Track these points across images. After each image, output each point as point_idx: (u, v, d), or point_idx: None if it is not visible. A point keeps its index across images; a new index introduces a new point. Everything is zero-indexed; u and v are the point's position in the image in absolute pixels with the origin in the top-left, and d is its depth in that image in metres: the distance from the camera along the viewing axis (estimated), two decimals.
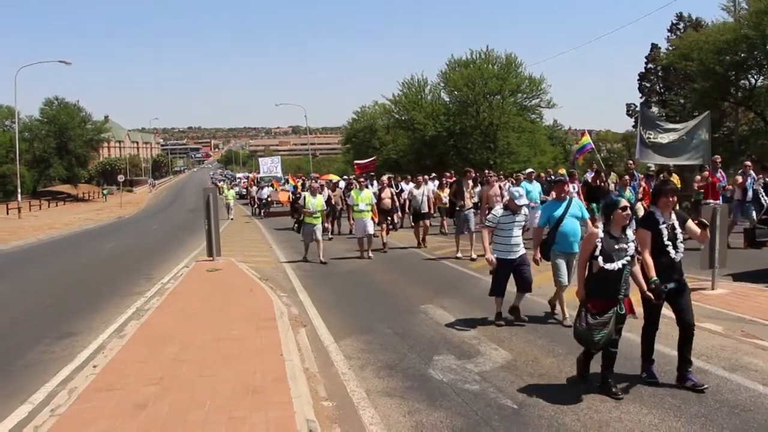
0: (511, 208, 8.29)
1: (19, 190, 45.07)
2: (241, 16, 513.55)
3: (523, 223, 8.53)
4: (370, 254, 15.39)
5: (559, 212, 8.23)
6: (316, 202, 15.24)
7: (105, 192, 78.11)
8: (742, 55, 38.49)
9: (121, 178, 69.62)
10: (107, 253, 20.87)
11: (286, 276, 13.54)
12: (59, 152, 69.82)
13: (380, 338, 7.81)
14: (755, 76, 40.52)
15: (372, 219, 15.67)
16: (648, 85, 58.73)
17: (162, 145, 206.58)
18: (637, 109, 58.38)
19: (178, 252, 18.95)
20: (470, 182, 15.86)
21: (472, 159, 47.17)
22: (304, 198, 15.36)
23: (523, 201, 8.33)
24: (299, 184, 31.80)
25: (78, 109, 73.16)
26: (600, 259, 5.50)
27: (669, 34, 54.93)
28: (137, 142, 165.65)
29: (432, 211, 18.28)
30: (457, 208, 15.04)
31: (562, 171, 18.86)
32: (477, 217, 15.41)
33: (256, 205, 39.27)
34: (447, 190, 19.14)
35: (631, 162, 16.89)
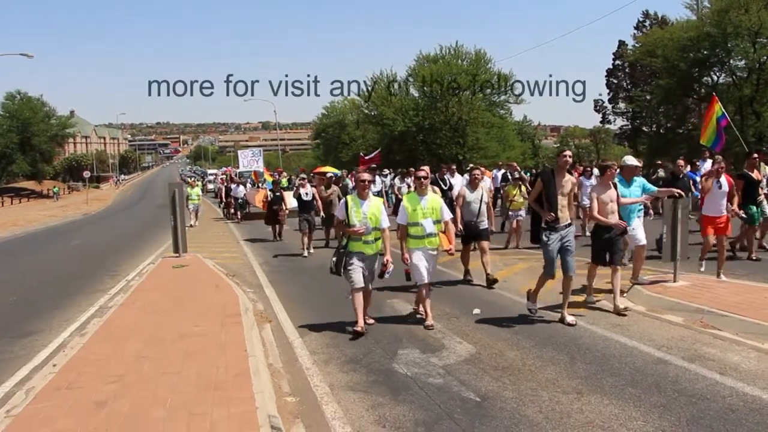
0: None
1: None
2: (208, 10, 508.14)
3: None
4: (431, 321, 8.02)
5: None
6: (369, 212, 7.79)
7: (56, 190, 71.37)
8: (705, 52, 39.30)
9: (87, 174, 68.25)
10: (72, 251, 20.52)
11: (253, 272, 13.45)
12: (22, 148, 68.44)
13: (346, 333, 7.79)
14: (717, 73, 41.40)
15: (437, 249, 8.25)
16: (615, 81, 59.58)
17: (130, 141, 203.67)
18: (605, 104, 59.32)
19: (145, 248, 18.71)
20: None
21: (441, 154, 47.33)
22: (346, 206, 7.84)
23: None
24: (284, 180, 29.52)
25: (42, 104, 71.84)
26: None
27: (635, 31, 55.81)
28: (104, 138, 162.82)
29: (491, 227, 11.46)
30: None
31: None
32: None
33: (230, 206, 30.80)
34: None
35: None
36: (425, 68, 50.75)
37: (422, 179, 8.16)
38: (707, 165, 15.39)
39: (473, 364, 6.42)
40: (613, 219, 8.24)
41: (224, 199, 33.85)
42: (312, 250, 15.78)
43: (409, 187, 18.88)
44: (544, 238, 7.79)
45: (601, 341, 7.04)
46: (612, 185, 8.45)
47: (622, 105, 58.52)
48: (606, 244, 8.35)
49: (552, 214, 7.65)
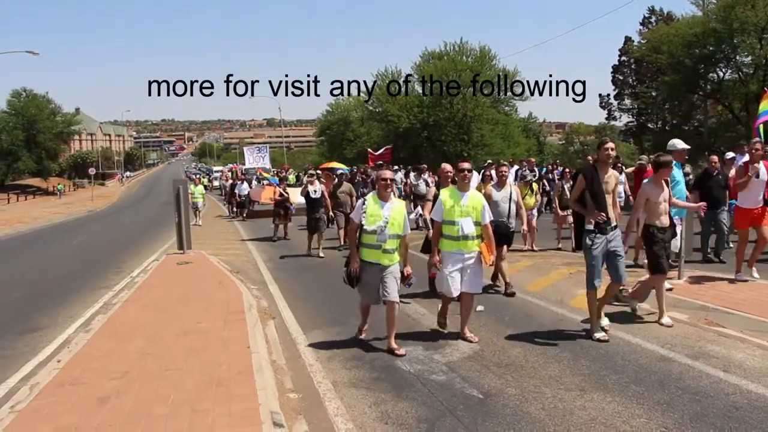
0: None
1: None
2: (214, 7, 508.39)
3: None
4: (469, 334, 7.24)
5: None
6: (390, 216, 6.80)
7: (60, 187, 70.20)
8: (711, 48, 39.08)
9: (92, 171, 68.33)
10: (76, 247, 20.59)
11: (257, 269, 13.46)
12: (28, 145, 68.51)
13: (349, 330, 7.79)
14: (723, 70, 41.20)
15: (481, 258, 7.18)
16: (621, 77, 59.34)
17: (135, 138, 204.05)
18: (610, 101, 59.11)
19: (149, 245, 18.76)
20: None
21: (446, 151, 47.26)
22: (365, 205, 6.88)
23: None
24: (291, 177, 28.65)
25: (47, 101, 71.88)
26: None
27: (641, 27, 55.56)
28: (109, 135, 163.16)
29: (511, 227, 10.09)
30: None
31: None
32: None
33: (234, 203, 30.01)
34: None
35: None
36: (430, 65, 50.70)
37: (466, 173, 7.17)
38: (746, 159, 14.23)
39: (476, 361, 6.41)
40: (666, 221, 7.47)
41: (228, 197, 32.73)
42: (322, 255, 14.62)
43: (426, 183, 18.29)
44: (588, 242, 6.91)
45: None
46: (665, 183, 7.61)
47: (627, 101, 58.30)
48: (664, 247, 7.42)
49: (602, 213, 6.79)
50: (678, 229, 8.45)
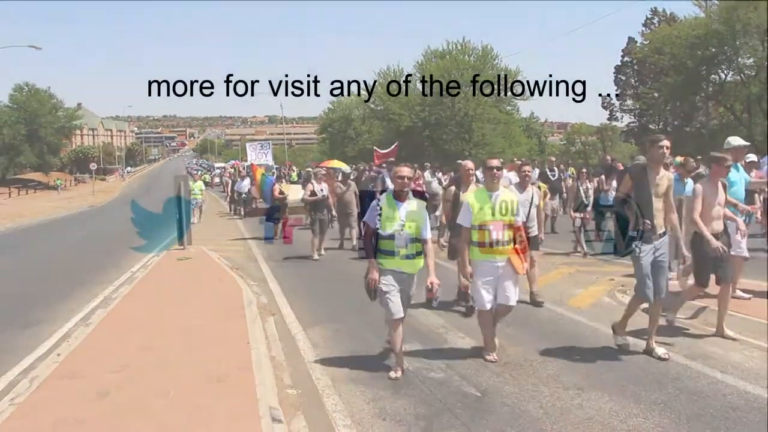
0: None
1: None
2: (216, 4, 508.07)
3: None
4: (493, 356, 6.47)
5: None
6: (407, 218, 6.04)
7: (59, 182, 69.05)
8: (713, 50, 39.09)
9: (93, 166, 68.16)
10: (77, 242, 20.62)
11: (258, 265, 13.48)
12: (30, 139, 68.50)
13: (349, 327, 7.82)
14: (725, 71, 41.21)
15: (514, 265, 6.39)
16: (623, 78, 59.31)
17: (136, 134, 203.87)
18: (612, 101, 59.08)
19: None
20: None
21: (447, 150, 47.27)
22: (379, 207, 6.08)
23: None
24: (294, 174, 28.29)
25: (49, 96, 71.91)
26: None
27: (644, 28, 55.55)
28: (111, 130, 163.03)
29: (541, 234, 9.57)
30: None
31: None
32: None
33: (234, 200, 29.69)
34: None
35: None
36: (432, 64, 50.70)
37: (495, 171, 6.37)
38: None
39: (475, 359, 6.42)
40: (718, 226, 6.88)
41: (229, 194, 32.13)
42: (323, 252, 14.23)
43: (440, 181, 17.91)
44: (636, 250, 6.27)
45: (603, 338, 7.02)
46: (722, 185, 7.00)
47: (629, 102, 58.29)
48: (714, 257, 6.70)
49: (646, 221, 6.15)
50: (740, 228, 7.53)
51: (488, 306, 6.32)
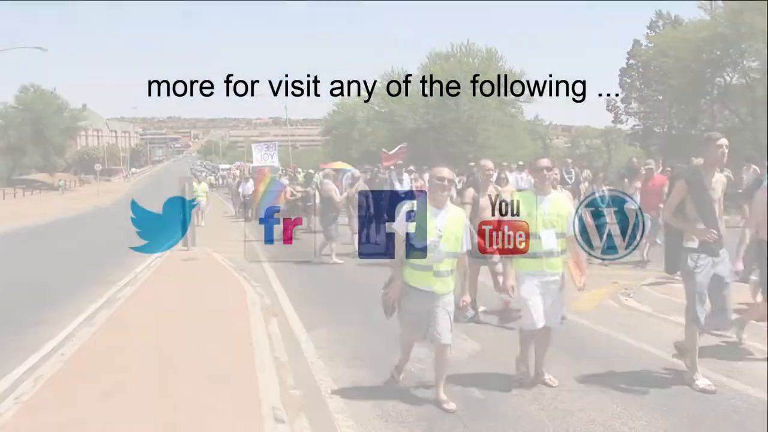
0: None
1: None
2: (220, 6, 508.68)
3: None
4: (548, 376, 5.83)
5: None
6: (446, 228, 5.20)
7: (62, 183, 67.37)
8: (718, 52, 38.99)
9: (98, 167, 68.12)
10: (81, 242, 20.65)
11: (261, 266, 13.49)
12: (35, 140, 68.62)
13: (352, 329, 7.83)
14: (730, 74, 41.08)
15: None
16: (629, 80, 59.10)
17: (141, 135, 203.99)
18: (617, 105, 58.88)
19: None
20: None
21: (452, 152, 47.18)
22: (412, 216, 5.21)
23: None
24: (300, 176, 27.97)
25: (54, 97, 72.00)
26: None
27: (648, 30, 55.41)
28: (116, 131, 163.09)
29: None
30: None
31: None
32: None
33: (238, 203, 28.73)
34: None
35: None
36: (436, 66, 50.66)
37: (545, 171, 5.57)
38: None
39: (478, 362, 6.44)
40: None
41: (233, 196, 31.42)
42: (340, 260, 13.44)
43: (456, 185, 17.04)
44: (691, 264, 5.45)
45: (606, 341, 7.03)
46: None
47: (634, 105, 58.09)
48: None
49: (713, 231, 5.35)
50: None
51: (539, 325, 5.55)
